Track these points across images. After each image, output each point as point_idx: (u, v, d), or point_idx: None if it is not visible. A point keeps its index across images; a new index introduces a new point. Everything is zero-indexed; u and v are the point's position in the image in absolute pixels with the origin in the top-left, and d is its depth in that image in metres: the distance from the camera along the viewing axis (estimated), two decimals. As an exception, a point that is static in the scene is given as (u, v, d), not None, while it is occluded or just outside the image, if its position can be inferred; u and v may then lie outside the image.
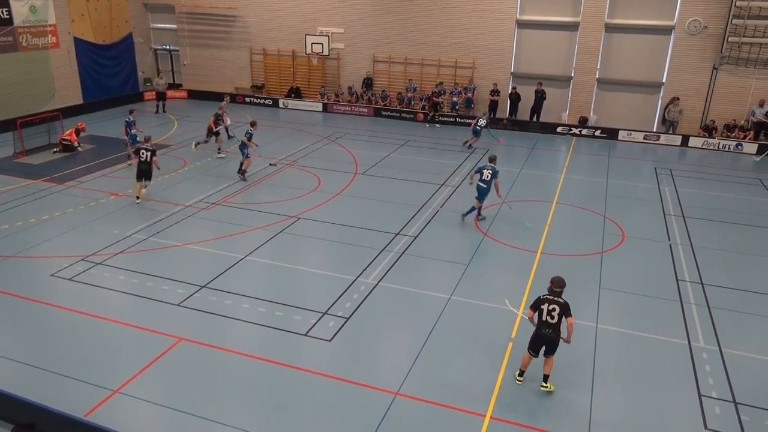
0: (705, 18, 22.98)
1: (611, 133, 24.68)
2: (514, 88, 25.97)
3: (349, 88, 28.70)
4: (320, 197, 16.56)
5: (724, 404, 8.58)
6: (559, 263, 12.92)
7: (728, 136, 23.29)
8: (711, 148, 23.27)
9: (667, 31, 23.79)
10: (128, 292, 11.20)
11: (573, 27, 24.83)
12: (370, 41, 27.91)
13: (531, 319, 8.62)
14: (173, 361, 9.22)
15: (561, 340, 8.49)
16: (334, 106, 28.47)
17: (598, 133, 24.85)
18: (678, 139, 23.76)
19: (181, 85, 31.76)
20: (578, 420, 8.19)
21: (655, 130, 24.71)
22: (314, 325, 10.24)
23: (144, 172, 15.70)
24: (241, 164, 17.75)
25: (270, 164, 19.31)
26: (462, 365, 9.35)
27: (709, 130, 23.48)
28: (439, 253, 13.28)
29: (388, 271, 12.31)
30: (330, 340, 9.85)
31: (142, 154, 15.61)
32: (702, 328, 10.54)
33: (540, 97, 25.32)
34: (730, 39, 22.59)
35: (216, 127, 20.24)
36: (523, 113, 26.16)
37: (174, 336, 9.78)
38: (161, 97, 27.51)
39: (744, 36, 22.48)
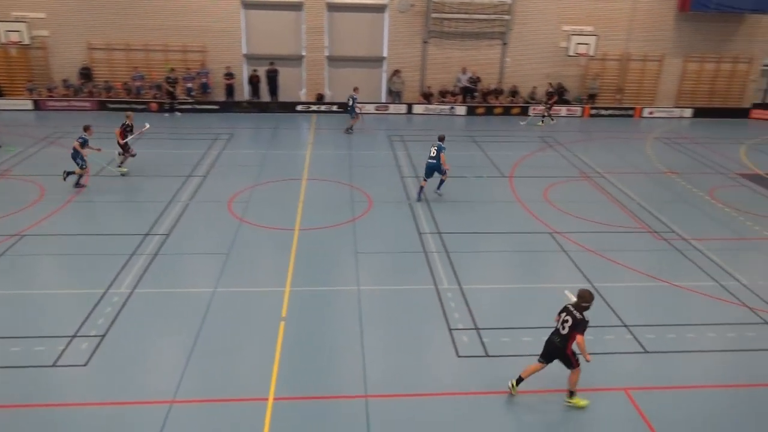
0: (411, -4, 25.55)
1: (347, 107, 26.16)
2: (254, 70, 25.83)
3: (64, 81, 25.39)
4: (47, 208, 14.51)
5: (470, 332, 9.95)
6: (317, 236, 13.45)
7: (443, 102, 26.50)
8: (431, 113, 26.22)
9: (381, 9, 25.86)
10: None
11: (298, 7, 25.46)
12: (81, 27, 24.91)
13: (557, 321, 8.39)
14: None
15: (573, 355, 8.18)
16: (48, 103, 24.96)
17: (335, 108, 26.14)
18: (404, 108, 26.25)
19: None
20: (354, 379, 8.72)
21: (383, 101, 26.89)
22: (63, 352, 9.06)
23: None
24: (73, 173, 15.64)
25: (121, 174, 16.96)
26: (238, 355, 9.22)
27: (427, 97, 26.41)
28: (197, 246, 12.76)
29: (142, 275, 11.42)
30: (85, 365, 8.83)
31: None
32: (444, 272, 11.99)
33: (273, 76, 25.70)
34: (433, 15, 25.51)
35: (123, 139, 16.87)
36: (266, 95, 26.26)
37: None
38: None
39: (444, 13, 25.59)
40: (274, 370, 8.82)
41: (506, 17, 25.83)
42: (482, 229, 14.19)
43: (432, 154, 15.42)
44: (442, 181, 15.86)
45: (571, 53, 26.15)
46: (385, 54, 26.50)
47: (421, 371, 9.02)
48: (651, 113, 27.49)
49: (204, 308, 10.36)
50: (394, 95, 26.60)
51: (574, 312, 8.08)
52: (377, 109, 26.25)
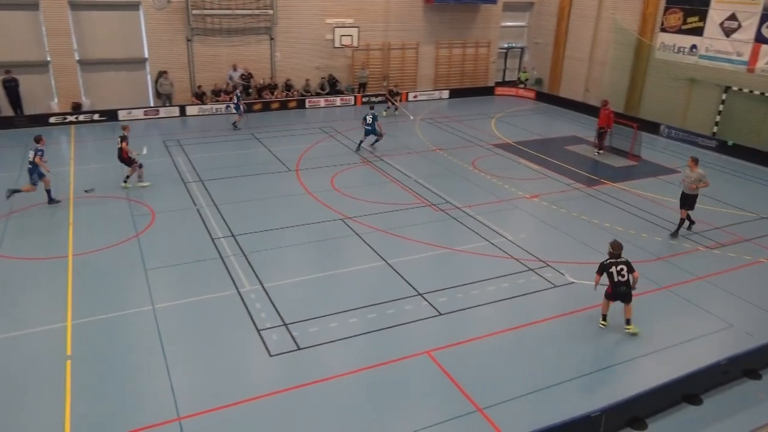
0: (171, -8, 24.12)
1: (111, 115, 23.90)
2: (-19, 81, 22.15)
3: None
4: None
5: (278, 329, 9.93)
6: (97, 259, 12.19)
7: (217, 100, 25.66)
8: (207, 113, 25.22)
9: (134, 6, 24.00)
10: None
11: (33, 6, 22.41)
12: None
13: (597, 284, 9.97)
14: None
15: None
16: None
17: (96, 116, 23.71)
18: (176, 111, 24.85)
19: None
20: (163, 404, 8.16)
21: (152, 104, 25.14)
22: None
23: None
24: (19, 190, 14.76)
25: (85, 191, 15.59)
26: (16, 410, 7.99)
27: (199, 97, 25.33)
28: (-59, 295, 10.69)
29: None
30: None
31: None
32: (244, 274, 11.75)
33: (12, 86, 22.40)
34: (193, 12, 24.42)
35: (130, 153, 16.14)
36: (7, 108, 22.73)
37: None
38: None
39: (204, 9, 24.66)
40: (66, 417, 7.84)
41: (270, 12, 25.81)
42: (276, 225, 14.16)
43: (368, 121, 19.63)
44: (377, 140, 20.15)
45: (337, 45, 27.15)
46: (146, 55, 24.71)
47: (235, 379, 8.78)
48: (415, 97, 29.89)
49: (-37, 366, 8.77)
50: (164, 98, 25.01)
51: (621, 259, 9.81)
52: (146, 114, 24.44)
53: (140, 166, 16.41)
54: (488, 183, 17.54)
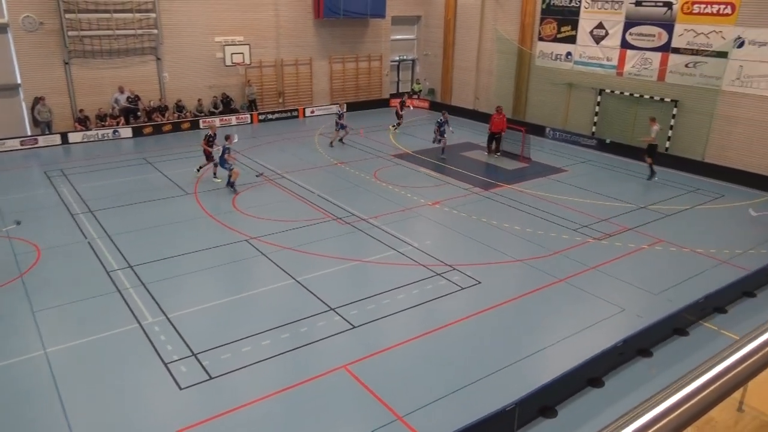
0: (38, 14, 22.51)
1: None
2: None
3: None
4: None
5: (187, 361, 9.49)
6: (-25, 306, 11.09)
7: (103, 126, 24.26)
8: (92, 140, 23.77)
9: (2, 29, 22.24)
10: None
11: None
12: None
13: None
14: None
15: None
16: None
17: (-36, 150, 21.65)
18: (57, 138, 23.22)
19: None
20: (64, 455, 7.55)
21: (30, 134, 23.34)
22: None
23: None
24: (229, 177, 17.86)
25: (256, 175, 18.95)
26: None
27: (83, 122, 23.85)
28: None
29: None
30: None
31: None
32: (145, 306, 11.14)
33: None
34: (69, 34, 22.99)
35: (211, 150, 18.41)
36: None
37: None
38: None
39: (82, 30, 23.29)
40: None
41: (154, 31, 24.83)
42: (177, 251, 13.57)
43: (442, 122, 21.96)
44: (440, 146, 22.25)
45: (228, 63, 26.59)
46: (18, 80, 22.93)
47: (144, 418, 8.28)
48: (312, 112, 29.85)
49: None
50: (43, 125, 23.27)
51: None
52: (23, 144, 22.63)
53: (215, 164, 18.50)
54: (391, 193, 17.83)
